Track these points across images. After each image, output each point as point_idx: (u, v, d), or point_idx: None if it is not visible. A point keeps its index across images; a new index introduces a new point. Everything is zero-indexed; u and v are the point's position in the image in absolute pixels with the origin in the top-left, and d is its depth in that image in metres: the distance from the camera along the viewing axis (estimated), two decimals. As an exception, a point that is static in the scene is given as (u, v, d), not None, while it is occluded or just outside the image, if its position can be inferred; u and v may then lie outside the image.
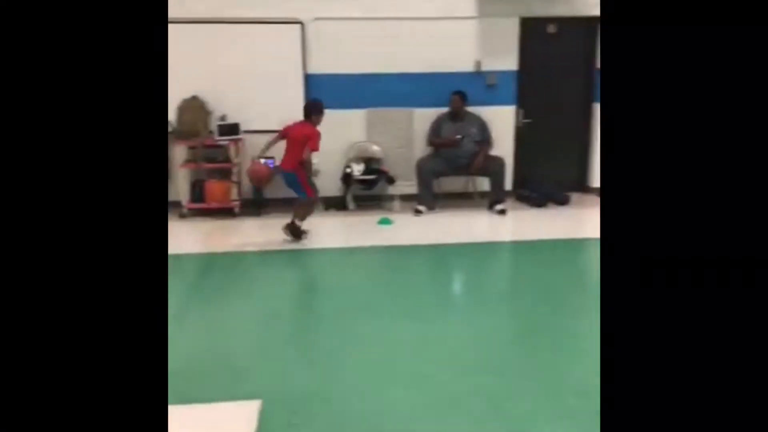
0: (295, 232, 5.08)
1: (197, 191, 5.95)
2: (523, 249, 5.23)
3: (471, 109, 6.18)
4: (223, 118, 6.00)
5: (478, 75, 6.29)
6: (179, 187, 5.95)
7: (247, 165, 5.59)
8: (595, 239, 5.68)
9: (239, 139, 6.00)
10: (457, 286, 4.51)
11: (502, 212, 6.00)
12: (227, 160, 5.98)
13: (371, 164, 6.25)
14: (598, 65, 6.39)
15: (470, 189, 6.54)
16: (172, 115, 5.80)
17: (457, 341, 3.33)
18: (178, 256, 4.56)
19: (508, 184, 6.44)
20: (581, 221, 6.11)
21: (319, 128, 4.97)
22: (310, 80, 6.13)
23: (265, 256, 4.93)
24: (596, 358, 3.18)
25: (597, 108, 6.52)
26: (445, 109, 6.19)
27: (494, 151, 6.23)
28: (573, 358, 3.19)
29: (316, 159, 5.14)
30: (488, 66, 6.29)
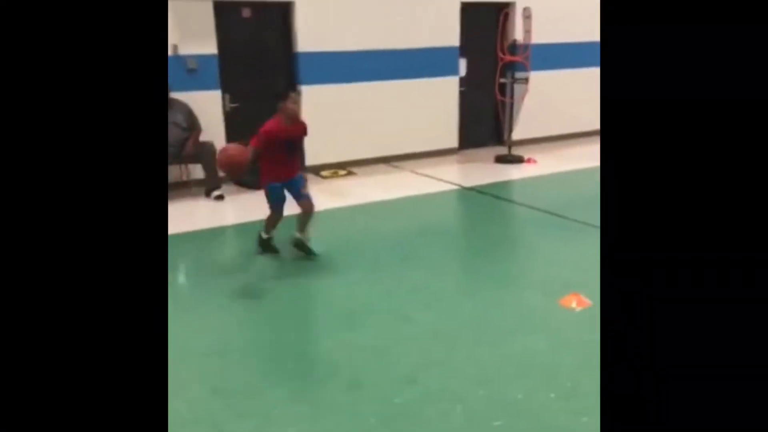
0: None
1: None
2: (247, 230, 5.28)
3: (175, 95, 5.96)
4: None
5: (176, 59, 6.07)
6: None
7: None
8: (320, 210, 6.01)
9: None
10: (179, 275, 4.37)
11: (220, 197, 5.96)
12: None
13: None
14: (297, 48, 6.70)
15: (185, 177, 6.34)
16: None
17: (183, 328, 3.26)
18: None
19: (224, 169, 6.40)
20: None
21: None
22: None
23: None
24: (314, 324, 3.44)
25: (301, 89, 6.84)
26: (145, 97, 5.84)
27: (204, 137, 6.12)
28: (293, 329, 3.39)
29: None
30: (186, 50, 6.11)
